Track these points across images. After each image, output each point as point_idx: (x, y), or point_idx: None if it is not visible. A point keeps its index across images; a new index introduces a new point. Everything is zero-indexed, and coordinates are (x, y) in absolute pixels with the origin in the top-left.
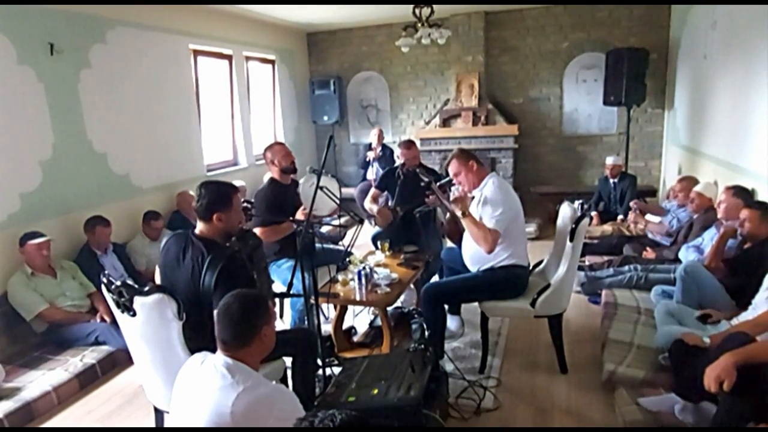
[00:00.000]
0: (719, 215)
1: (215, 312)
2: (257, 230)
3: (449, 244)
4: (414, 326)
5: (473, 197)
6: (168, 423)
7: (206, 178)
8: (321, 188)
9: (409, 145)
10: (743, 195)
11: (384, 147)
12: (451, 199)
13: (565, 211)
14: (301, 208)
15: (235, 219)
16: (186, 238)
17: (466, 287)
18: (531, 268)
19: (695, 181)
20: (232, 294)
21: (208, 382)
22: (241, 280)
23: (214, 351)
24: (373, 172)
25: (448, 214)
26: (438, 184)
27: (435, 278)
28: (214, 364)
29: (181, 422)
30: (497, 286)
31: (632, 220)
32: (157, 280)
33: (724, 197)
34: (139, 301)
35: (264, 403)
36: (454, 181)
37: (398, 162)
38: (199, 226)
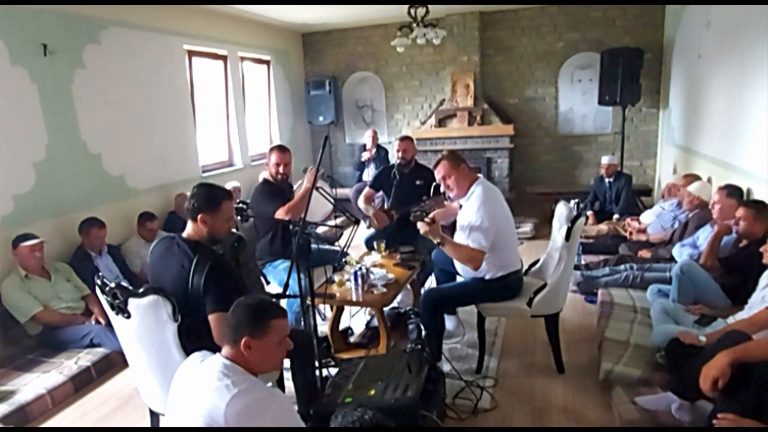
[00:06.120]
0: (714, 216)
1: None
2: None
3: None
4: (411, 327)
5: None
6: (163, 419)
7: (201, 179)
8: (317, 189)
9: (404, 138)
10: (736, 194)
11: (378, 148)
12: (422, 232)
13: (561, 211)
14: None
15: (222, 225)
16: (172, 240)
17: (464, 293)
18: (527, 267)
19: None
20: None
21: (205, 380)
22: (230, 280)
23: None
24: (369, 174)
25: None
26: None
27: (431, 279)
28: (212, 363)
29: (177, 417)
30: (495, 291)
31: (630, 231)
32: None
33: (718, 198)
34: (133, 303)
35: (258, 406)
36: (441, 185)
37: (393, 161)
38: (187, 228)
